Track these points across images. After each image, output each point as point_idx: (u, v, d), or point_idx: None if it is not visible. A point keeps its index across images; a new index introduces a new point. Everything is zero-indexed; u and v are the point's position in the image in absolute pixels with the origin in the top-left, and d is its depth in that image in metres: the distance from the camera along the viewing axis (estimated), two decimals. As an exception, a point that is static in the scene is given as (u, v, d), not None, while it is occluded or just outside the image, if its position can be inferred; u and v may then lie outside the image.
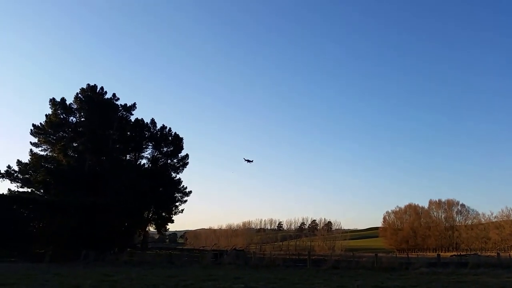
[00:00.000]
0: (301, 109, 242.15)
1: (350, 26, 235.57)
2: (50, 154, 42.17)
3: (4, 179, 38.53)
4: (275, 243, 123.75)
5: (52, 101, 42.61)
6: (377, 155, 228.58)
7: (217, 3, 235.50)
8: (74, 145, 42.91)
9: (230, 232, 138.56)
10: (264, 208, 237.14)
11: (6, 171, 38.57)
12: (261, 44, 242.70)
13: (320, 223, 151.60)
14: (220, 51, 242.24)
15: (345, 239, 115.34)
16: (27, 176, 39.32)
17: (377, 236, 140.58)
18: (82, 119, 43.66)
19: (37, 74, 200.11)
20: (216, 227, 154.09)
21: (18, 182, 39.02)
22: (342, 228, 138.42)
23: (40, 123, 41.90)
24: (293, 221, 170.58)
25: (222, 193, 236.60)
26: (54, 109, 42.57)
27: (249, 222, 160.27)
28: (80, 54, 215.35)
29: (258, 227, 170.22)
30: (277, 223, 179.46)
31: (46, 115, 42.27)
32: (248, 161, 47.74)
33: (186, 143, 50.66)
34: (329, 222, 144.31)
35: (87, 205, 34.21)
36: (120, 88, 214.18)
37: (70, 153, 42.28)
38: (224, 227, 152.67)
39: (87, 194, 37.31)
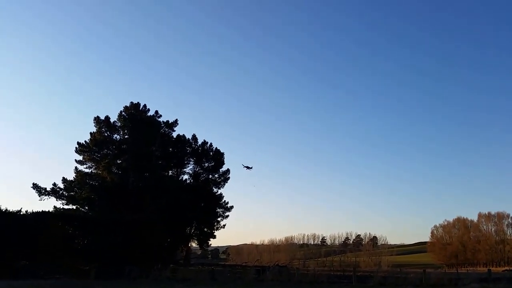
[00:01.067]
0: (345, 123, 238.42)
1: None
2: (95, 171, 43.09)
3: (50, 196, 39.57)
4: (319, 259, 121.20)
5: (97, 119, 43.78)
6: (423, 167, 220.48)
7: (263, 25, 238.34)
8: (118, 162, 43.73)
9: (273, 248, 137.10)
10: (307, 223, 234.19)
11: (52, 188, 39.65)
12: (303, 55, 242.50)
13: (365, 238, 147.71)
14: (259, 66, 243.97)
15: (392, 255, 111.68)
16: (72, 193, 40.28)
17: (425, 251, 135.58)
18: (126, 137, 44.53)
19: (82, 93, 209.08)
20: (258, 243, 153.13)
21: (63, 199, 40.02)
22: (388, 243, 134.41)
23: (85, 141, 43.05)
24: (337, 236, 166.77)
25: (264, 208, 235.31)
26: (99, 127, 43.68)
27: (291, 237, 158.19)
28: (123, 71, 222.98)
29: (301, 242, 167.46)
30: (320, 238, 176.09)
31: (90, 133, 43.43)
32: (248, 167, 46.87)
33: (227, 158, 50.62)
34: (374, 237, 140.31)
35: (131, 221, 34.57)
36: (161, 104, 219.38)
37: (114, 170, 43.05)
38: (266, 242, 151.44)
39: (131, 210, 37.74)
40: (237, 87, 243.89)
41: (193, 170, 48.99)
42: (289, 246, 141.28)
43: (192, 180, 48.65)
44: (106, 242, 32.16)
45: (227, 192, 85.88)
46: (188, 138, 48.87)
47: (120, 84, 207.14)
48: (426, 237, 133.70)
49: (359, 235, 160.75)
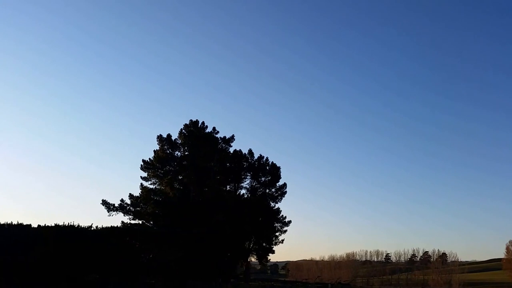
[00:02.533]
0: (411, 135, 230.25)
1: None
2: (158, 187, 44.90)
3: (118, 212, 41.67)
4: (383, 277, 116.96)
5: (159, 138, 45.75)
6: (497, 178, 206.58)
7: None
8: (180, 177, 45.31)
9: (333, 264, 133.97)
10: (369, 238, 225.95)
11: (120, 204, 41.72)
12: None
13: (434, 254, 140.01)
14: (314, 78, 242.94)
15: (463, 272, 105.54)
16: (138, 208, 42.09)
17: (500, 269, 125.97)
18: (186, 153, 46.10)
19: (145, 113, 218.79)
20: (318, 258, 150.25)
21: (130, 214, 41.91)
22: (459, 260, 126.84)
23: (149, 159, 45.04)
24: (402, 252, 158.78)
25: (324, 223, 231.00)
26: (161, 145, 45.58)
27: (353, 253, 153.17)
28: (182, 88, 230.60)
29: (364, 259, 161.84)
30: (384, 254, 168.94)
31: (154, 151, 45.40)
32: None
33: (283, 172, 50.68)
34: (444, 254, 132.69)
35: (192, 235, 35.46)
36: (218, 119, 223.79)
37: (176, 185, 44.68)
38: (326, 258, 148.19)
39: (192, 225, 38.76)
40: (291, 101, 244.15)
41: (250, 185, 49.43)
42: (350, 263, 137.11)
43: (249, 195, 49.13)
44: (170, 256, 33.15)
45: (285, 207, 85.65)
46: (245, 153, 49.54)
47: (180, 101, 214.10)
48: (500, 253, 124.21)
49: (426, 251, 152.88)
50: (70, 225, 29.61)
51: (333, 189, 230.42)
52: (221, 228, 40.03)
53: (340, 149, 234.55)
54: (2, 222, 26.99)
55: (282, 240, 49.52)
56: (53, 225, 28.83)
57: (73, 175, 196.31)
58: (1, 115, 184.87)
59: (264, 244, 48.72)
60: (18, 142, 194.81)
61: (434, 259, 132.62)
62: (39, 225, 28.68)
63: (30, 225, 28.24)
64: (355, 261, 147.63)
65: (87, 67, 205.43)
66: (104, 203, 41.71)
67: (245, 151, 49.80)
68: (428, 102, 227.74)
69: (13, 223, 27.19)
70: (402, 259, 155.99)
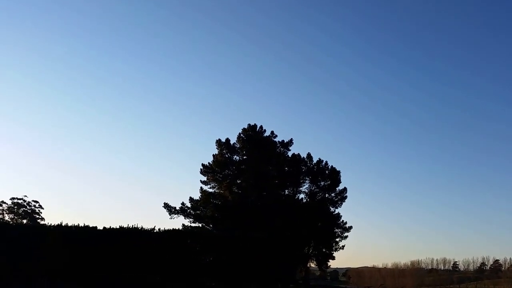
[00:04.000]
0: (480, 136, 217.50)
1: None
2: (217, 191, 45.48)
3: (179, 215, 42.74)
4: (451, 286, 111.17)
5: (218, 142, 46.35)
6: None
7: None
8: (238, 182, 45.63)
9: (397, 272, 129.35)
10: (436, 246, 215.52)
11: (181, 207, 42.78)
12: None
13: (505, 263, 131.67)
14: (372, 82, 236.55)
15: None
16: (198, 212, 42.93)
17: None
18: (244, 157, 46.31)
19: (204, 118, 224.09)
20: (380, 266, 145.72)
21: (190, 217, 42.84)
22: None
23: (208, 163, 45.78)
24: (471, 261, 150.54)
25: (387, 229, 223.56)
26: (220, 149, 46.15)
27: (418, 261, 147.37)
28: (241, 95, 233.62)
29: (429, 267, 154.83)
30: (452, 263, 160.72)
31: (213, 155, 46.07)
32: None
33: (344, 177, 49.50)
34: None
35: (252, 239, 35.36)
36: (274, 122, 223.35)
37: (235, 189, 45.02)
38: (389, 265, 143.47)
39: (250, 229, 38.73)
40: (352, 104, 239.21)
41: (308, 189, 48.76)
42: (415, 271, 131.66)
43: (308, 199, 48.46)
44: (229, 259, 33.26)
45: (346, 212, 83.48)
46: (303, 157, 48.92)
47: (238, 105, 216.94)
48: None
49: (497, 260, 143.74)
50: (134, 227, 30.45)
51: (396, 194, 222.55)
52: (279, 233, 39.70)
53: (402, 153, 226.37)
54: (69, 225, 28.27)
55: (343, 246, 48.45)
56: (118, 227, 29.80)
57: (137, 180, 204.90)
58: (65, 124, 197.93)
59: (323, 250, 47.87)
60: (84, 150, 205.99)
61: (506, 267, 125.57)
62: (104, 227, 29.74)
63: (96, 227, 29.31)
64: (420, 269, 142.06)
65: (146, 73, 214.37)
66: (166, 206, 42.89)
67: (303, 155, 49.26)
68: None
69: (80, 225, 28.40)
70: (471, 267, 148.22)
